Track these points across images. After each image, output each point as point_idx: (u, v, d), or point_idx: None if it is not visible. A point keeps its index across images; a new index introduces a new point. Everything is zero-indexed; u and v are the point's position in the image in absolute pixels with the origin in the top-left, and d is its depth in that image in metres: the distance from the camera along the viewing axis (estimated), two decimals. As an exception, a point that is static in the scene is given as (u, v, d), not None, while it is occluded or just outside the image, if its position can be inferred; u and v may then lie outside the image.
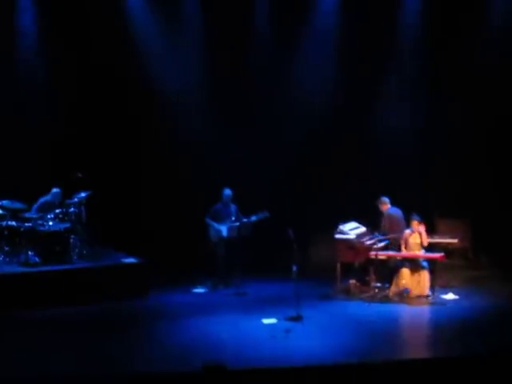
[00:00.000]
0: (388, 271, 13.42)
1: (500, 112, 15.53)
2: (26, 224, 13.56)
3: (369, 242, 13.43)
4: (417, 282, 13.06)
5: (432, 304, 12.85)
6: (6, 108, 15.09)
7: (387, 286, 13.28)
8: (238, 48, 15.90)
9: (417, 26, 15.86)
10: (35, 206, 13.96)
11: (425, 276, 13.07)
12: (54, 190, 14.05)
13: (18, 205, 13.81)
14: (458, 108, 15.62)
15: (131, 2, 15.68)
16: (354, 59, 15.82)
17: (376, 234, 13.61)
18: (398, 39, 16.00)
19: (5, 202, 13.69)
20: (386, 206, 13.74)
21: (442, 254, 13.40)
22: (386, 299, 13.01)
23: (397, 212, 13.71)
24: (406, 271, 13.08)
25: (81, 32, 15.24)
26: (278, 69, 16.09)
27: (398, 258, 13.33)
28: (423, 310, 12.77)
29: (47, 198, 14.05)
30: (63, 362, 9.93)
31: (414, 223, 13.23)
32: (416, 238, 13.24)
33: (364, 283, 13.66)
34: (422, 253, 13.24)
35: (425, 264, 13.16)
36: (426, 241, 13.27)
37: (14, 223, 13.59)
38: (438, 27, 15.59)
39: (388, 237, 13.46)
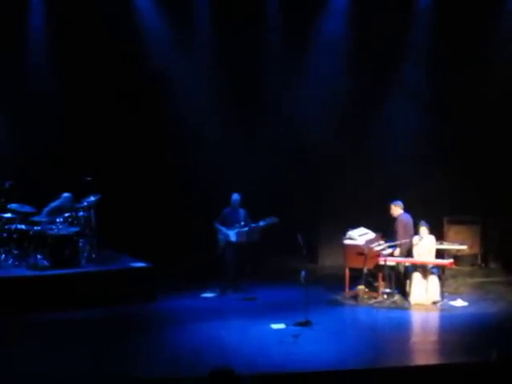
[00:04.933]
0: (397, 277, 13.40)
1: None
2: (36, 227, 13.58)
3: (378, 248, 13.40)
4: (426, 289, 13.03)
5: (441, 310, 12.82)
6: (17, 112, 15.14)
7: (396, 291, 13.25)
8: (249, 55, 15.91)
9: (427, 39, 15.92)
10: (45, 210, 13.96)
11: (434, 282, 13.05)
12: (65, 194, 14.04)
13: (27, 208, 13.82)
14: (467, 113, 15.61)
15: (145, 18, 15.84)
16: (362, 65, 15.80)
17: (388, 240, 13.57)
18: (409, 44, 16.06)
19: (14, 206, 13.72)
20: (399, 209, 13.69)
21: (451, 260, 13.40)
22: (395, 305, 12.98)
23: (409, 218, 13.67)
24: (415, 277, 13.06)
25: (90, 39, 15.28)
26: (287, 76, 16.09)
27: (408, 264, 13.33)
28: (432, 317, 12.74)
29: (57, 202, 14.05)
30: (70, 366, 9.93)
31: (423, 229, 13.22)
32: (425, 244, 13.22)
33: (372, 289, 13.65)
34: (431, 259, 13.22)
35: (434, 270, 13.14)
36: (434, 248, 13.27)
37: (23, 226, 13.62)
38: (448, 42, 15.65)
39: (398, 242, 13.42)
